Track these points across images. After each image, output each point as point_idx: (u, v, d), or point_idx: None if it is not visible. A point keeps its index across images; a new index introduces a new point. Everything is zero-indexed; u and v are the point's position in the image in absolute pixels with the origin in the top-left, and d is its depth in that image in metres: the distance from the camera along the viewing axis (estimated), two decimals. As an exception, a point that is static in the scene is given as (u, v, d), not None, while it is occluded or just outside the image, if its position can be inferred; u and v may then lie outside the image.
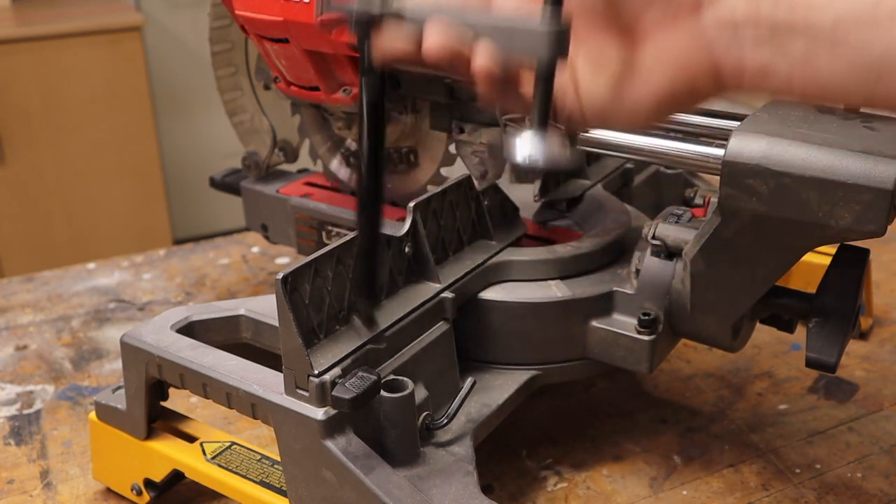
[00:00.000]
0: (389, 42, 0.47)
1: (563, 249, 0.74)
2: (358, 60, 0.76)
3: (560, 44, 0.45)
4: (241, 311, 0.71)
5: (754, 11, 0.43)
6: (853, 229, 0.54)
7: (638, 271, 0.71)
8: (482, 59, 0.46)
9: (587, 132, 0.51)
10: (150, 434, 0.71)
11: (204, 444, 0.70)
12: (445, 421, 0.65)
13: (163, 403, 0.73)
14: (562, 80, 0.48)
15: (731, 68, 0.45)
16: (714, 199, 0.64)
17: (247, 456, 0.69)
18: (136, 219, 2.69)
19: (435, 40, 0.46)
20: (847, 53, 0.41)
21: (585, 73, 0.49)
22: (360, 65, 0.51)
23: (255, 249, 1.22)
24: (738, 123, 0.58)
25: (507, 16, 0.47)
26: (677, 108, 0.48)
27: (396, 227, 0.68)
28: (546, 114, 0.47)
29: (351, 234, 0.63)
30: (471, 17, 0.47)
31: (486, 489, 0.74)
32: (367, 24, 0.48)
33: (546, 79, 0.46)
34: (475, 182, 0.75)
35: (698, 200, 0.78)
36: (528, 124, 0.47)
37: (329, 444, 0.59)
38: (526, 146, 0.46)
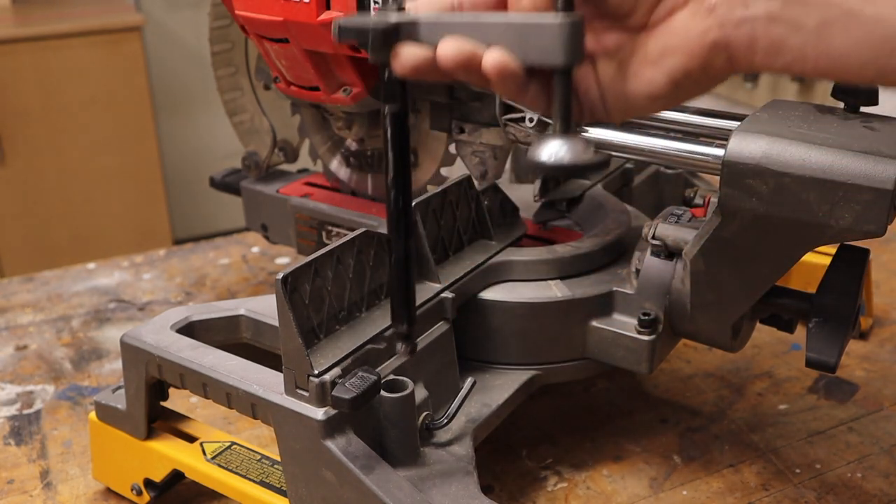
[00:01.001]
0: (408, 56, 0.47)
1: (563, 249, 0.74)
2: (358, 61, 0.77)
3: (575, 36, 0.45)
4: (241, 311, 0.71)
5: None
6: (853, 229, 0.54)
7: (638, 271, 0.71)
8: (494, 61, 0.45)
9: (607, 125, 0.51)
10: (150, 434, 0.71)
11: (204, 444, 0.70)
12: (445, 421, 0.65)
13: (163, 403, 0.73)
14: (581, 72, 0.48)
15: (744, 45, 0.44)
16: (714, 199, 0.64)
17: (247, 456, 0.69)
18: (136, 219, 2.69)
19: (449, 50, 0.46)
20: (861, 26, 0.40)
21: (603, 64, 0.48)
22: (380, 79, 0.51)
23: (255, 249, 1.22)
24: (738, 123, 0.58)
25: (519, 15, 0.47)
26: (694, 89, 0.47)
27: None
28: (569, 113, 0.46)
29: (351, 234, 0.63)
30: (484, 20, 0.47)
31: (486, 489, 0.74)
32: (386, 40, 0.48)
33: (565, 74, 0.46)
34: (475, 182, 0.75)
35: (698, 200, 0.78)
36: (551, 126, 0.47)
37: (329, 444, 0.59)
38: (552, 148, 0.46)
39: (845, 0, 0.40)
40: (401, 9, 0.49)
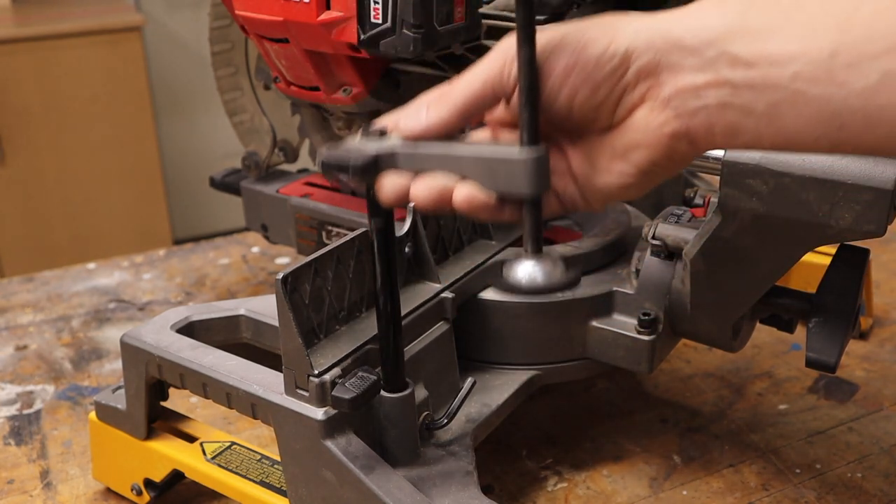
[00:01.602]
0: (390, 186, 0.51)
1: (563, 249, 0.74)
2: (358, 61, 0.77)
3: (541, 169, 0.48)
4: (241, 311, 0.71)
5: (713, 75, 0.44)
6: (853, 229, 0.55)
7: (638, 271, 0.71)
8: (463, 197, 0.49)
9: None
10: (150, 434, 0.71)
11: (204, 444, 0.70)
12: (445, 421, 0.65)
13: (163, 403, 0.73)
14: (557, 174, 0.51)
15: (702, 131, 0.46)
16: (714, 199, 0.64)
17: (247, 456, 0.69)
18: (136, 219, 2.69)
19: (421, 192, 0.50)
20: (809, 106, 0.42)
21: (576, 164, 0.51)
22: (367, 206, 0.55)
23: (255, 249, 1.22)
24: (738, 123, 0.58)
25: (488, 147, 0.50)
26: (665, 173, 0.49)
27: (397, 227, 0.68)
28: (539, 238, 0.49)
29: (351, 234, 0.63)
30: (456, 152, 0.50)
31: (486, 489, 0.74)
32: (366, 172, 0.51)
33: (534, 202, 0.49)
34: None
35: (698, 200, 0.78)
36: (523, 250, 0.50)
37: (329, 444, 0.59)
38: (527, 269, 0.49)
39: (791, 83, 0.42)
40: (382, 133, 0.52)
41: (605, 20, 0.47)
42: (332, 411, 0.59)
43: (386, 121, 0.53)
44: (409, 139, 0.51)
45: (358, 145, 0.52)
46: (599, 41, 0.46)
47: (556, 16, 0.73)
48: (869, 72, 0.40)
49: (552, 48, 0.47)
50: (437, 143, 0.50)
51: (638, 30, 0.46)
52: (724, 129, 0.45)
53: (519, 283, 0.49)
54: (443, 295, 0.69)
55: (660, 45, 0.45)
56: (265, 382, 0.62)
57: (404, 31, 0.69)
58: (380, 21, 0.70)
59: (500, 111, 0.51)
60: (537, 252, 0.50)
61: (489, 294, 0.72)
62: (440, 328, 0.69)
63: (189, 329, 0.71)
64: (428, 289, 0.69)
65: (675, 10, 0.46)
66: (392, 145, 0.51)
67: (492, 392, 0.71)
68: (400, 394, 0.61)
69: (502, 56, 0.48)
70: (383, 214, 0.56)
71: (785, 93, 0.42)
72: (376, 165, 0.51)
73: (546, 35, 0.47)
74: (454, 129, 0.51)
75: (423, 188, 0.50)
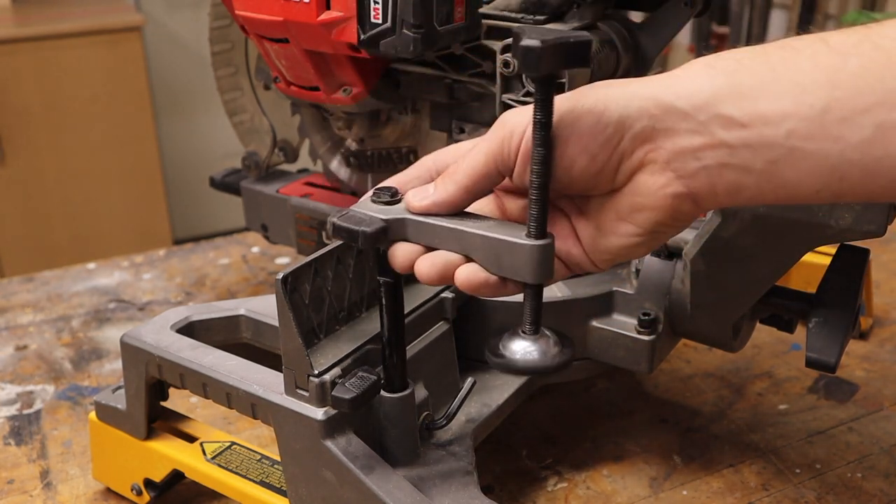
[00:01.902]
0: (402, 255, 0.52)
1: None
2: (358, 61, 0.77)
3: (545, 259, 0.48)
4: (241, 311, 0.71)
5: (709, 137, 0.44)
6: (853, 229, 0.55)
7: (638, 271, 0.71)
8: (464, 277, 0.50)
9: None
10: (150, 434, 0.71)
11: (204, 444, 0.70)
12: (445, 421, 0.65)
13: (163, 403, 0.72)
14: (561, 239, 0.51)
15: (705, 190, 0.46)
16: (714, 199, 0.64)
17: (247, 456, 0.69)
18: (136, 219, 2.69)
19: (425, 269, 0.51)
20: (807, 162, 0.42)
21: (581, 228, 0.51)
22: (377, 266, 0.57)
23: (255, 249, 1.22)
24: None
25: (495, 227, 0.50)
26: (670, 231, 0.50)
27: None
28: (538, 321, 0.51)
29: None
30: (463, 228, 0.50)
31: (486, 489, 0.74)
32: (376, 242, 0.52)
33: (535, 289, 0.50)
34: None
35: (698, 200, 0.78)
36: (521, 326, 0.51)
37: (329, 444, 0.59)
38: (524, 348, 0.51)
39: (787, 140, 0.42)
40: (393, 195, 0.53)
41: (596, 89, 0.48)
42: (332, 411, 0.59)
43: (394, 182, 0.54)
44: (416, 215, 0.52)
45: (368, 209, 0.53)
46: (592, 112, 0.47)
47: (556, 16, 0.73)
48: (863, 125, 0.40)
49: None
50: (446, 217, 0.52)
51: (629, 97, 0.46)
52: (726, 188, 0.45)
53: (514, 360, 0.50)
54: (443, 295, 0.69)
55: (653, 112, 0.45)
56: (265, 382, 0.62)
57: (404, 31, 0.69)
58: (380, 21, 0.70)
59: (504, 180, 0.51)
60: (535, 333, 0.51)
61: (489, 294, 0.72)
62: (440, 328, 0.69)
63: (189, 329, 0.71)
64: (428, 289, 0.69)
65: (666, 75, 0.47)
66: (402, 212, 0.52)
67: (492, 392, 0.71)
68: (400, 394, 0.61)
69: (500, 132, 0.49)
70: (392, 276, 0.57)
71: (781, 150, 0.42)
72: (385, 234, 0.52)
73: None
74: (461, 206, 0.52)
75: (427, 265, 0.51)
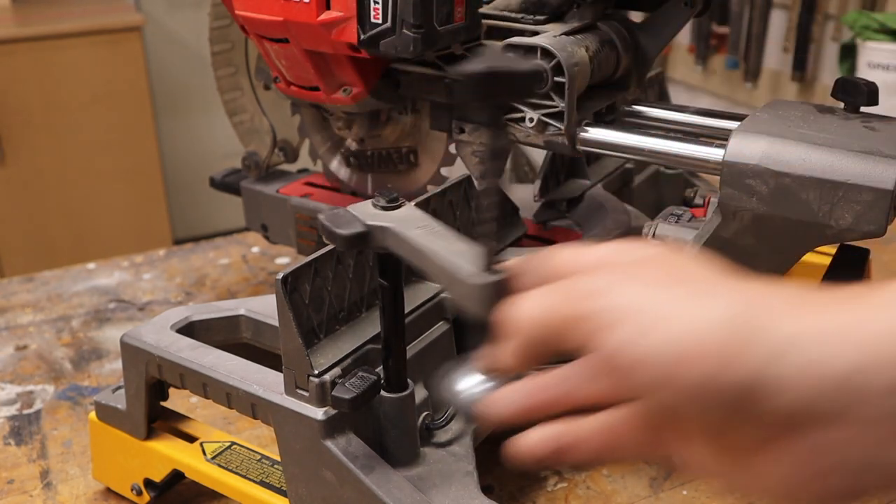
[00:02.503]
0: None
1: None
2: (358, 61, 0.77)
3: (495, 297, 0.45)
4: (241, 311, 0.71)
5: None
6: (853, 229, 0.55)
7: (638, 271, 0.71)
8: None
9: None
10: (150, 434, 0.71)
11: (204, 444, 0.70)
12: (445, 421, 0.65)
13: (163, 403, 0.72)
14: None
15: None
16: (714, 199, 0.64)
17: (247, 456, 0.69)
18: (136, 219, 2.69)
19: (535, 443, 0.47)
20: None
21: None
22: (377, 266, 0.57)
23: (255, 249, 1.22)
24: (738, 123, 0.58)
25: (454, 257, 0.48)
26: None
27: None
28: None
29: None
30: (428, 248, 0.50)
31: (486, 489, 0.74)
32: (352, 245, 0.53)
33: (483, 327, 0.46)
34: (475, 182, 0.75)
35: (698, 200, 0.78)
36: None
37: (329, 444, 0.59)
38: (469, 385, 0.47)
39: None
40: (393, 200, 0.53)
41: None
42: (332, 411, 0.59)
43: (512, 265, 0.47)
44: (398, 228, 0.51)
45: (359, 212, 0.53)
46: None
47: (556, 16, 0.73)
48: None
49: None
50: (425, 230, 0.51)
51: None
52: None
53: (454, 393, 0.47)
54: (443, 295, 0.69)
55: None
56: (265, 382, 0.62)
57: (404, 31, 0.69)
58: (380, 21, 0.70)
59: None
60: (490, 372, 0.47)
61: (489, 294, 0.72)
62: (440, 328, 0.69)
63: (189, 329, 0.71)
64: (428, 289, 0.69)
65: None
66: (392, 219, 0.52)
67: (492, 392, 0.70)
68: (400, 394, 0.61)
69: None
70: (392, 277, 0.57)
71: None
72: (364, 239, 0.52)
73: None
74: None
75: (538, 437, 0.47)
